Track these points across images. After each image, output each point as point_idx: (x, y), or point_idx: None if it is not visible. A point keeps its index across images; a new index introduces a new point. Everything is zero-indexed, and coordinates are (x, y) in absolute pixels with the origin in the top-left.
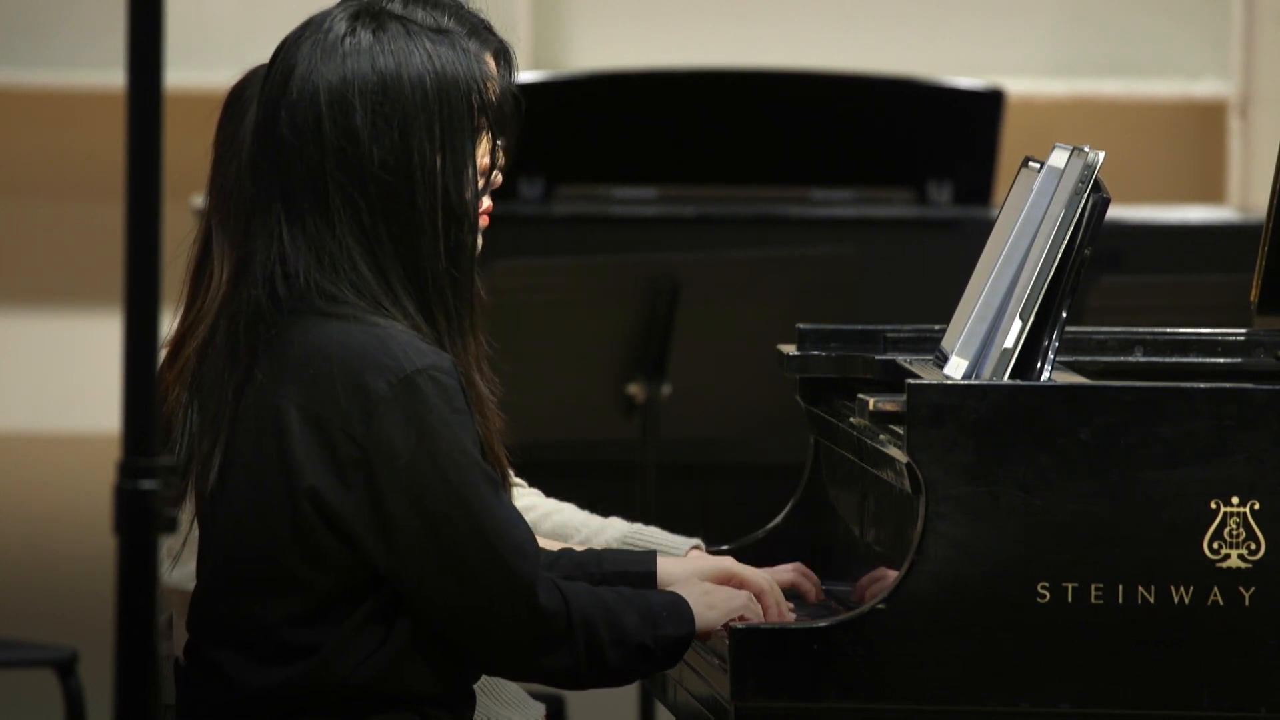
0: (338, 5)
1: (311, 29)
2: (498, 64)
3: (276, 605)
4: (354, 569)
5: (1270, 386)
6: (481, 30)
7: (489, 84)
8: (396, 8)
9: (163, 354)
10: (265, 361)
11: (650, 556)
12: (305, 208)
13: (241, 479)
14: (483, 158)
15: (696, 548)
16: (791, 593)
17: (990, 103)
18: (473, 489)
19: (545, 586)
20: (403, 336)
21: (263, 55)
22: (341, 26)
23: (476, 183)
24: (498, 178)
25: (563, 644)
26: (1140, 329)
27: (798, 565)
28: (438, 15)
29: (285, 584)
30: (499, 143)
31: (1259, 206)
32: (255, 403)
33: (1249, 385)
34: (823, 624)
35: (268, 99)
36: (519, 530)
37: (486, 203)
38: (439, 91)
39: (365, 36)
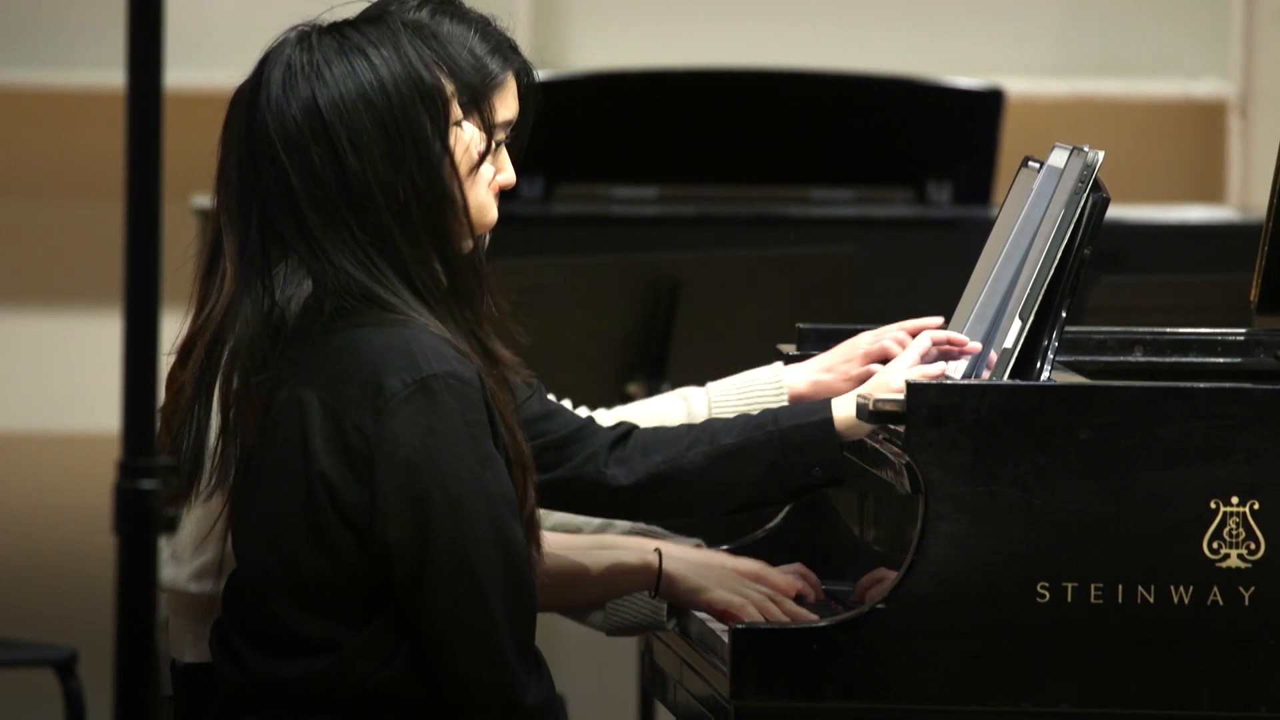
0: (280, 40)
1: (255, 76)
2: (519, 82)
3: (297, 600)
4: (365, 564)
5: (1270, 386)
6: (505, 49)
7: (439, 66)
8: (339, 24)
9: (175, 356)
10: (288, 375)
11: (825, 405)
12: (298, 248)
13: (267, 472)
14: (469, 139)
15: (698, 546)
16: None
17: (990, 103)
18: (465, 506)
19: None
20: (429, 340)
21: None
22: (278, 73)
23: (455, 165)
24: (510, 177)
25: (529, 682)
26: (1140, 329)
27: (798, 565)
28: (463, 30)
29: (304, 577)
30: (483, 116)
31: (1259, 206)
32: (281, 402)
33: (1249, 385)
34: (823, 624)
35: (241, 153)
36: (510, 560)
37: (506, 176)
38: (384, 97)
39: (300, 72)
